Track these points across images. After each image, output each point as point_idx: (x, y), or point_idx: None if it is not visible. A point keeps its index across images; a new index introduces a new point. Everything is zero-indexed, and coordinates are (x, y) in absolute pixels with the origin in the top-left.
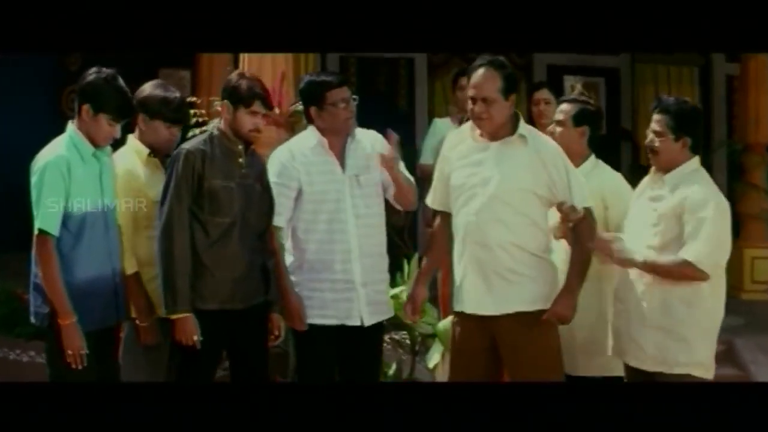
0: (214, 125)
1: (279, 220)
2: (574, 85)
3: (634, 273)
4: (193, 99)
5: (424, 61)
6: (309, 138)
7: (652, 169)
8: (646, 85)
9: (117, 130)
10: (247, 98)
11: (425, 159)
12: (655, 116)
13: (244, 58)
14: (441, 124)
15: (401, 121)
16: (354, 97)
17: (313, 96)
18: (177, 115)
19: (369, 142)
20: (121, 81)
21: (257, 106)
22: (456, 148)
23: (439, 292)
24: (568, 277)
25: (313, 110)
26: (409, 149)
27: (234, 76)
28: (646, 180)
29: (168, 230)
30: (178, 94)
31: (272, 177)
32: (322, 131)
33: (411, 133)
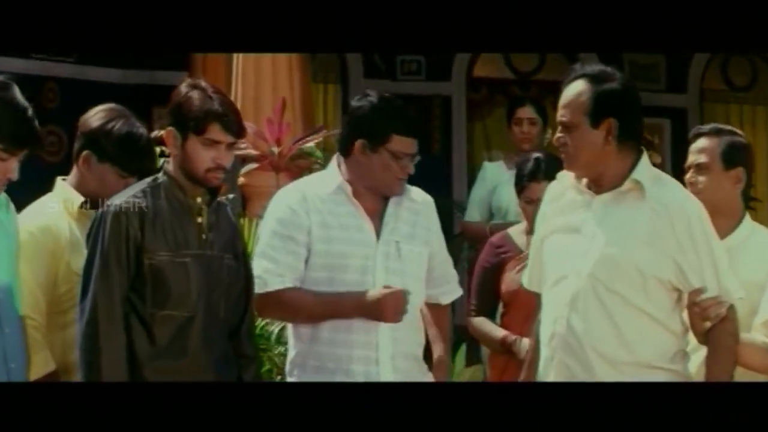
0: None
1: (277, 281)
2: None
3: None
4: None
5: (462, 98)
6: (329, 178)
7: None
8: None
9: (12, 168)
10: (199, 119)
11: (472, 215)
12: None
13: (238, 81)
14: (492, 169)
15: (435, 167)
16: (417, 156)
17: (371, 128)
18: (140, 163)
19: (418, 199)
20: (17, 92)
21: (216, 132)
22: (557, 201)
23: None
24: None
25: (359, 145)
26: (445, 202)
27: (183, 87)
28: None
29: (92, 335)
30: (145, 131)
31: (274, 225)
32: (353, 177)
33: (447, 183)
